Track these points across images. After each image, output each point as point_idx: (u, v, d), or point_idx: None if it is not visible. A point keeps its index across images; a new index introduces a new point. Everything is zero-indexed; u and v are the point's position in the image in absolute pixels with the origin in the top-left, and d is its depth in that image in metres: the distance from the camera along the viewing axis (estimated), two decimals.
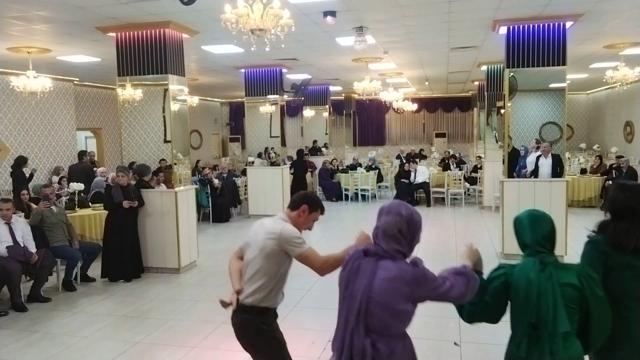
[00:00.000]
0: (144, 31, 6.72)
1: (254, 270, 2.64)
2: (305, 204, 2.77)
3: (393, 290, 2.03)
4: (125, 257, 6.50)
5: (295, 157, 13.89)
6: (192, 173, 11.41)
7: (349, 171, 13.73)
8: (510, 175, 7.19)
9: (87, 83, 13.03)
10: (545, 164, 7.13)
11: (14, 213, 5.85)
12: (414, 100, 18.46)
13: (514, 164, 7.36)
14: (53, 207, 6.28)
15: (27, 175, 9.47)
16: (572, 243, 7.33)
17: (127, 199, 6.42)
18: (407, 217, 2.16)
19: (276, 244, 2.62)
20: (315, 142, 16.69)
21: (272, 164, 11.18)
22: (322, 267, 2.64)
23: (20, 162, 9.52)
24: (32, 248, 5.70)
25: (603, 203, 11.15)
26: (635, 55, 9.75)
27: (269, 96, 11.01)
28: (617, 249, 2.36)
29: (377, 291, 2.04)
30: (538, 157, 7.21)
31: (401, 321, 2.08)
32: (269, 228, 2.67)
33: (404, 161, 14.01)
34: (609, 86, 15.13)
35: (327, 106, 16.25)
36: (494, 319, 2.27)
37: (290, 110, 16.68)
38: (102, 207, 7.05)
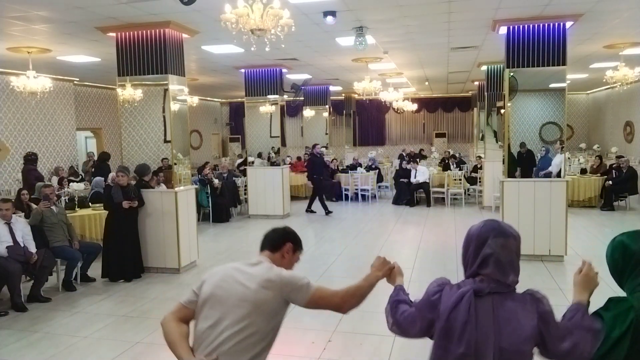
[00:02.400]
0: (144, 31, 6.72)
1: (241, 334, 1.98)
2: (289, 242, 2.31)
3: (522, 336, 1.69)
4: (125, 257, 6.49)
5: (301, 156, 13.73)
6: (198, 171, 11.46)
7: (349, 171, 13.73)
8: (525, 175, 7.16)
9: (87, 83, 13.03)
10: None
11: (13, 213, 5.86)
12: (414, 100, 18.46)
13: (530, 165, 7.33)
14: (53, 207, 6.28)
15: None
16: (572, 243, 7.34)
17: (126, 199, 6.41)
18: (518, 238, 1.81)
19: (277, 294, 2.06)
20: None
21: (272, 164, 11.18)
22: (343, 300, 2.16)
23: (105, 157, 10.27)
24: (32, 248, 5.70)
25: (603, 203, 11.17)
26: (635, 55, 9.74)
27: (269, 96, 11.01)
28: None
29: (508, 341, 1.69)
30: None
31: None
32: (259, 275, 2.08)
33: (405, 160, 14.01)
34: (609, 86, 15.12)
35: (327, 106, 16.25)
36: None
37: (290, 110, 16.71)
38: (102, 207, 7.06)
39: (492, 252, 1.76)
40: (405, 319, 1.92)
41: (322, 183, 11.71)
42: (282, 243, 2.28)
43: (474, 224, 1.91)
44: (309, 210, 11.62)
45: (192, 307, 2.12)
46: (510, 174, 7.18)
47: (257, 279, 2.06)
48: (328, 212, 11.21)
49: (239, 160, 14.50)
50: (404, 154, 15.84)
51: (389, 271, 2.21)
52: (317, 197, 11.41)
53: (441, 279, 1.90)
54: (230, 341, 1.97)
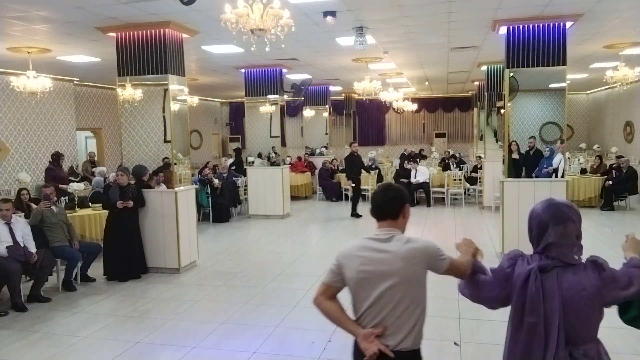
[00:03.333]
0: (144, 31, 6.72)
1: (399, 308, 2.12)
2: (406, 202, 2.27)
3: (585, 303, 1.94)
4: (122, 257, 6.49)
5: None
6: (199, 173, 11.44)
7: None
8: (529, 175, 7.17)
9: (87, 83, 13.04)
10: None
11: (14, 213, 5.86)
12: (414, 100, 18.46)
13: (535, 165, 7.33)
14: (53, 207, 6.28)
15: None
16: None
17: (123, 199, 6.42)
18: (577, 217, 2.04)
19: (423, 265, 2.15)
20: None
21: (272, 164, 11.18)
22: (467, 268, 2.23)
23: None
24: (32, 248, 5.70)
25: (603, 203, 11.17)
26: (635, 55, 9.75)
27: (269, 96, 11.01)
28: None
29: (571, 309, 1.95)
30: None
31: (595, 328, 2.01)
32: (400, 251, 2.13)
33: (407, 159, 14.00)
34: (609, 86, 15.12)
35: (327, 106, 16.25)
36: None
37: (290, 110, 16.68)
38: (102, 207, 7.08)
39: (553, 241, 2.00)
40: (482, 284, 2.17)
41: (360, 183, 11.23)
42: (401, 207, 2.24)
43: (536, 205, 2.11)
44: (354, 214, 10.85)
45: (337, 285, 2.24)
46: (517, 173, 7.17)
47: (400, 255, 2.13)
48: (357, 215, 10.77)
49: (230, 160, 14.45)
50: (406, 154, 15.81)
51: (475, 251, 2.32)
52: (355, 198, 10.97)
53: (514, 252, 2.14)
54: (392, 317, 2.12)
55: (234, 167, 13.21)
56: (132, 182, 6.71)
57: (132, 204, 6.51)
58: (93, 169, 11.08)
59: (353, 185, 10.99)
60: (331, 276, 2.25)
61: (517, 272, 2.04)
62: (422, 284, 2.18)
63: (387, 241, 2.17)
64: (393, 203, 2.23)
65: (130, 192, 6.53)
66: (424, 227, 9.68)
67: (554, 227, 2.00)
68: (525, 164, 7.25)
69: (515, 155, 7.24)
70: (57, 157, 9.97)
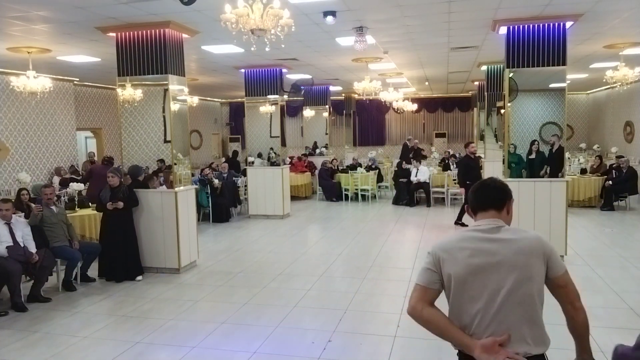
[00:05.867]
0: (144, 31, 6.72)
1: (521, 305, 1.85)
2: (511, 197, 2.07)
3: None
4: (117, 258, 6.49)
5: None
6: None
7: (349, 171, 13.73)
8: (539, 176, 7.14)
9: (87, 83, 13.04)
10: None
11: (14, 213, 5.86)
12: (414, 100, 18.46)
13: (542, 167, 7.30)
14: (53, 207, 6.28)
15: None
16: (572, 243, 7.34)
17: (113, 200, 6.44)
18: None
19: (541, 260, 1.89)
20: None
21: (272, 164, 11.19)
22: (579, 301, 1.92)
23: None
24: (32, 248, 5.70)
25: (603, 203, 11.17)
26: (635, 55, 9.74)
27: (269, 96, 11.01)
28: None
29: None
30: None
31: None
32: (521, 244, 1.89)
33: (409, 152, 13.92)
34: (609, 86, 15.13)
35: (327, 106, 16.26)
36: None
37: (290, 110, 16.65)
38: (96, 208, 7.12)
39: None
40: None
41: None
42: (507, 198, 2.05)
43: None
44: (459, 222, 9.66)
45: (436, 287, 1.95)
46: (534, 173, 7.12)
47: (516, 245, 1.88)
48: (462, 224, 9.58)
49: (223, 159, 14.41)
50: (409, 145, 15.63)
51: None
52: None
53: None
54: (512, 315, 1.84)
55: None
56: (129, 182, 6.73)
57: (122, 205, 6.50)
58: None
59: (464, 193, 9.76)
60: (427, 276, 1.95)
61: None
62: (541, 278, 1.89)
63: (496, 231, 1.93)
64: (500, 192, 2.04)
65: (121, 192, 6.54)
66: (424, 228, 9.67)
67: None
68: (532, 166, 7.18)
69: (532, 156, 7.22)
70: (110, 161, 9.81)
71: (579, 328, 1.96)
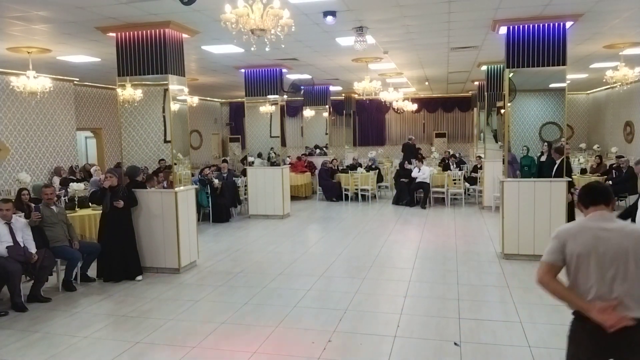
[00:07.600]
0: (144, 31, 6.72)
1: (632, 281, 2.31)
2: (614, 197, 2.56)
3: None
4: (115, 257, 6.49)
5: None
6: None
7: (349, 171, 13.73)
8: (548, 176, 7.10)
9: (87, 83, 13.04)
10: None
11: (14, 213, 5.86)
12: (414, 100, 18.46)
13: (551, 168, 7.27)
14: (53, 207, 6.29)
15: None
16: None
17: (114, 200, 6.45)
18: None
19: None
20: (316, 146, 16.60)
21: (272, 164, 11.19)
22: None
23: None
24: (32, 248, 5.70)
25: None
26: (635, 55, 9.75)
27: (269, 96, 11.01)
28: None
29: None
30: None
31: None
32: (629, 231, 2.38)
33: (411, 151, 13.87)
34: (609, 86, 15.13)
35: (327, 106, 16.24)
36: None
37: (290, 110, 16.69)
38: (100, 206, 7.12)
39: None
40: None
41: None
42: (613, 198, 2.52)
43: None
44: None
45: (559, 264, 2.43)
46: (544, 175, 7.07)
47: (628, 233, 2.35)
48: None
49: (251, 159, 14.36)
50: (411, 143, 15.57)
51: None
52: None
53: None
54: (621, 287, 2.30)
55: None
56: (127, 182, 6.74)
57: (122, 204, 6.49)
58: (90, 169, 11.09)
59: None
60: (554, 255, 2.43)
61: None
62: None
63: (610, 221, 2.40)
64: (609, 191, 2.51)
65: (121, 192, 6.54)
66: (424, 228, 9.67)
67: None
68: (540, 171, 7.14)
69: (543, 158, 7.20)
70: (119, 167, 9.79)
71: None
